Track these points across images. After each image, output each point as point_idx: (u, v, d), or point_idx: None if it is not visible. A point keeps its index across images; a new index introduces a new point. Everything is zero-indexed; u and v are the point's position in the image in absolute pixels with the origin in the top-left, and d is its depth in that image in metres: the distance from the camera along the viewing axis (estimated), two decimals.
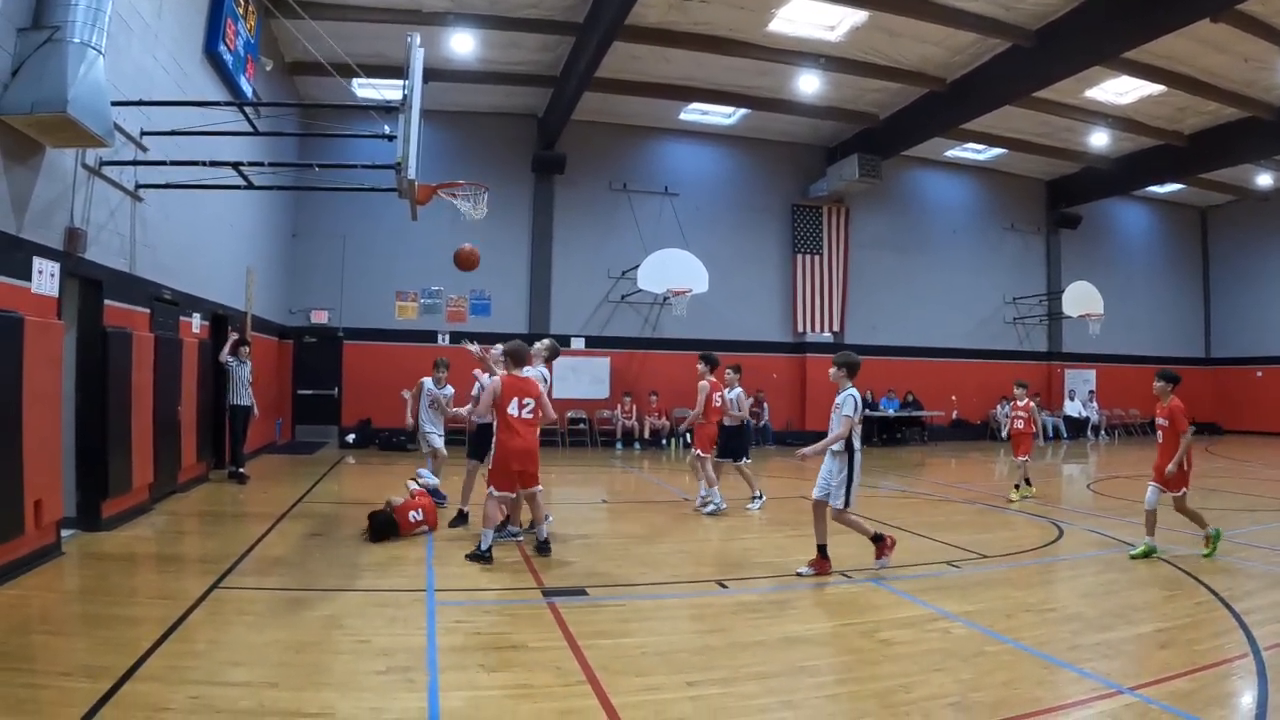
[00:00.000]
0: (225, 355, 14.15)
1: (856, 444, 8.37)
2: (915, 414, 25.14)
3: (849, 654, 6.07)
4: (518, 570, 8.54)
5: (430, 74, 19.63)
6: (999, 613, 7.05)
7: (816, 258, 25.60)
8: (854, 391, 8.36)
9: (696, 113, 23.70)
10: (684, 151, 24.92)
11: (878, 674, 5.67)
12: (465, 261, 11.83)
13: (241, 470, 14.30)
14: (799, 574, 8.33)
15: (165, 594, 7.18)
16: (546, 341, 10.66)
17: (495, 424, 9.02)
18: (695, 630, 6.80)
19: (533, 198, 23.50)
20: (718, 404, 12.40)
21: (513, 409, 8.80)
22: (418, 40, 9.81)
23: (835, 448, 8.33)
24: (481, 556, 8.66)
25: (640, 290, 22.06)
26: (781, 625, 6.76)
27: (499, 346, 9.92)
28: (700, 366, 12.40)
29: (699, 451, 12.37)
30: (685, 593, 7.83)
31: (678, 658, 5.96)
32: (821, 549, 8.49)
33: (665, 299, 22.35)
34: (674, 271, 21.51)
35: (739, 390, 12.76)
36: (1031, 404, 14.24)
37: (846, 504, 8.36)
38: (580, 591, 7.66)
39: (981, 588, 8.00)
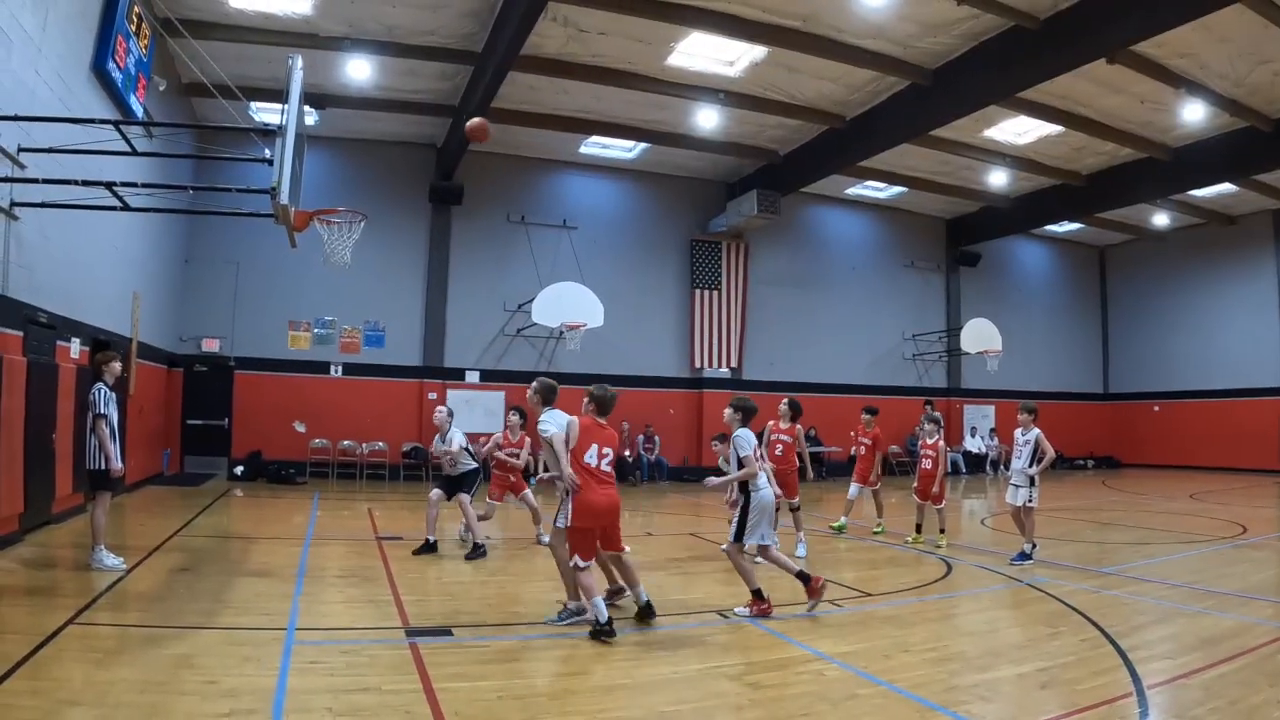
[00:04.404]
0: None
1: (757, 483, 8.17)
2: (815, 450, 25.03)
3: (714, 698, 5.69)
4: (385, 608, 8.11)
5: (328, 100, 19.42)
6: (877, 653, 6.76)
7: (715, 293, 25.50)
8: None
9: (597, 146, 23.50)
10: (584, 185, 24.67)
11: (740, 719, 5.35)
12: (477, 133, 10.64)
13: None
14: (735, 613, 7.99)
15: (17, 629, 6.71)
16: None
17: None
18: (559, 673, 6.42)
19: (429, 228, 23.01)
20: None
21: (591, 457, 7.70)
22: (299, 63, 9.53)
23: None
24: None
25: (536, 324, 21.60)
26: (651, 667, 6.38)
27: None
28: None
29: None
30: (555, 634, 7.35)
31: (535, 702, 5.62)
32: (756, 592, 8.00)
33: (560, 333, 21.89)
34: (569, 306, 21.00)
35: None
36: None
37: (735, 538, 8.10)
38: (445, 631, 7.24)
39: (862, 627, 7.72)
